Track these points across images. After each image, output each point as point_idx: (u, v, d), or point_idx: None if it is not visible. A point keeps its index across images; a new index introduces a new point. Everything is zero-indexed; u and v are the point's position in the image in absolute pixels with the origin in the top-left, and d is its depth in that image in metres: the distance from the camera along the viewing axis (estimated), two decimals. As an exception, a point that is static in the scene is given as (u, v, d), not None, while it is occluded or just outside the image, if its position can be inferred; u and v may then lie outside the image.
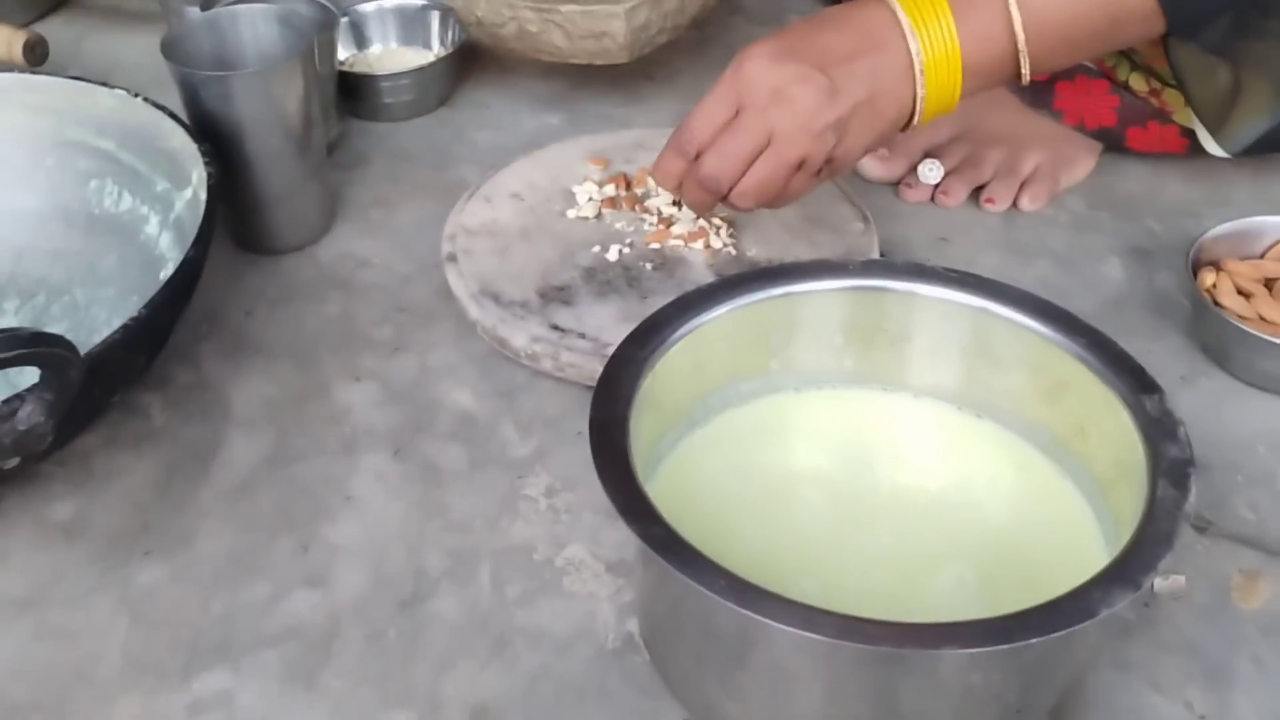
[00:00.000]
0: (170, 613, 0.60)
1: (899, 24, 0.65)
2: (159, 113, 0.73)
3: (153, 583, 0.62)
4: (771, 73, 0.64)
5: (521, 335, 0.70)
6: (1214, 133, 0.76)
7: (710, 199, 0.69)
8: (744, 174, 0.67)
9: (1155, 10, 0.67)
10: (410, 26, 0.98)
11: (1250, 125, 0.75)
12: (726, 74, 0.66)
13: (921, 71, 0.66)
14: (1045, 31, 0.66)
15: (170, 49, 0.75)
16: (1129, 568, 0.45)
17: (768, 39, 0.66)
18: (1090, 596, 0.44)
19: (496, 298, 0.73)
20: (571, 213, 0.79)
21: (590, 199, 0.79)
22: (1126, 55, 0.83)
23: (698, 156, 0.68)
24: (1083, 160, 0.85)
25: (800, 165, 0.66)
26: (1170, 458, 0.49)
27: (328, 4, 0.90)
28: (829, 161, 0.67)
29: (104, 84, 0.76)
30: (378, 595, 0.61)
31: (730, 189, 0.68)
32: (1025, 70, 0.67)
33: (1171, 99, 0.82)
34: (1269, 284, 0.72)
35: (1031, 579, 0.54)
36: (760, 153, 0.66)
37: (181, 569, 0.62)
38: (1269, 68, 0.73)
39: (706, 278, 0.73)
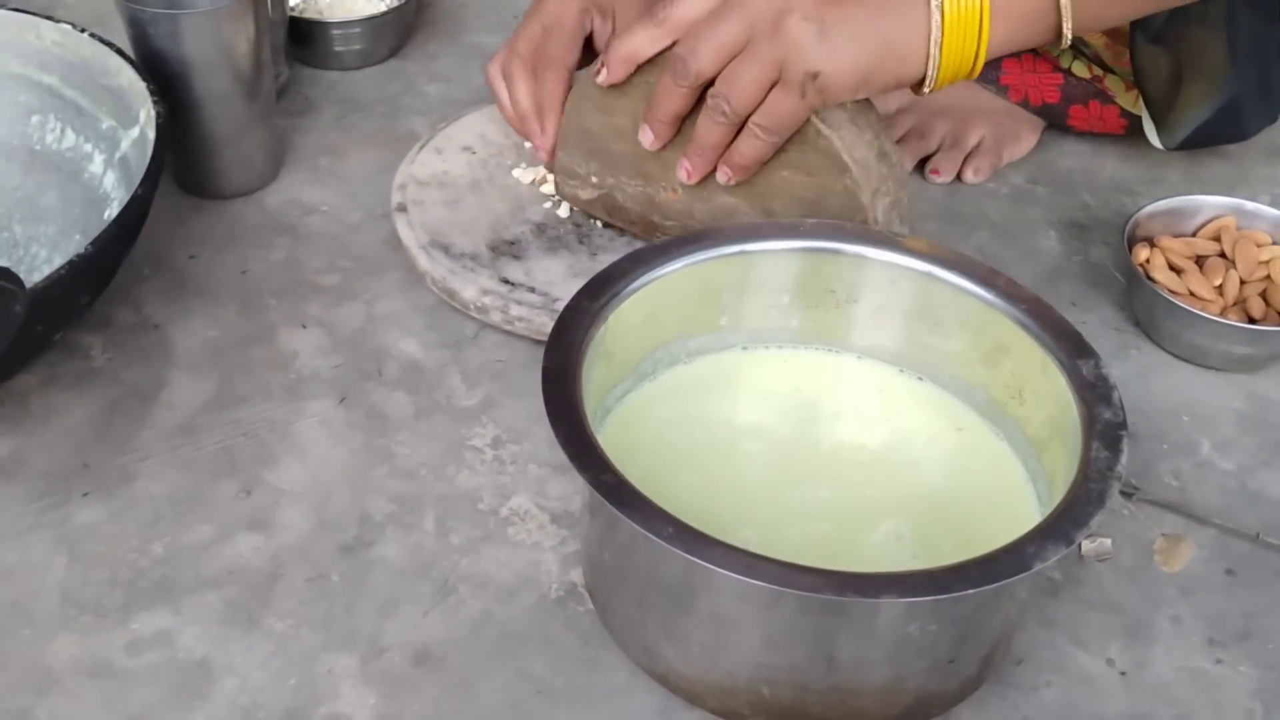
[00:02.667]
0: (109, 552, 0.60)
1: None
2: (105, 49, 0.72)
3: (91, 522, 0.61)
4: None
5: (471, 288, 0.71)
6: (1158, 126, 0.78)
7: (679, 92, 0.63)
8: (720, 70, 0.62)
9: None
10: (362, -26, 0.97)
11: (1187, 120, 0.77)
12: None
13: (939, 24, 0.60)
14: None
15: (118, -16, 0.74)
16: (1062, 524, 0.47)
17: None
18: (1025, 551, 0.46)
19: (446, 249, 0.73)
20: (517, 172, 0.78)
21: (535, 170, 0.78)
22: (1071, 45, 0.84)
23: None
24: (1025, 136, 0.87)
25: (778, 71, 0.60)
26: (1104, 420, 0.51)
27: (280, -53, 0.88)
28: (814, 77, 0.60)
29: (49, 17, 0.74)
30: (321, 539, 0.61)
31: (706, 85, 0.63)
32: (1068, 25, 0.62)
33: (1112, 84, 0.84)
34: (1199, 261, 0.74)
35: (966, 535, 0.55)
36: (738, 49, 0.61)
37: (121, 509, 0.62)
38: (1206, 59, 0.75)
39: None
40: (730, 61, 0.62)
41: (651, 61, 0.66)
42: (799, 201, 0.66)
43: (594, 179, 0.73)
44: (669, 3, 0.64)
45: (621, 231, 0.75)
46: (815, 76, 0.60)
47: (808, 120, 0.63)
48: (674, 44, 0.64)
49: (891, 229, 0.66)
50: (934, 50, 0.61)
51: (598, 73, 0.67)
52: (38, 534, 0.61)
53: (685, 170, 0.67)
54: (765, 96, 0.62)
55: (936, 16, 0.60)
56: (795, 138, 0.64)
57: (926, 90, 0.63)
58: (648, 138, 0.67)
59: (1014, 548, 0.46)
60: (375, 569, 0.60)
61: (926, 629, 0.48)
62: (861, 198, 0.64)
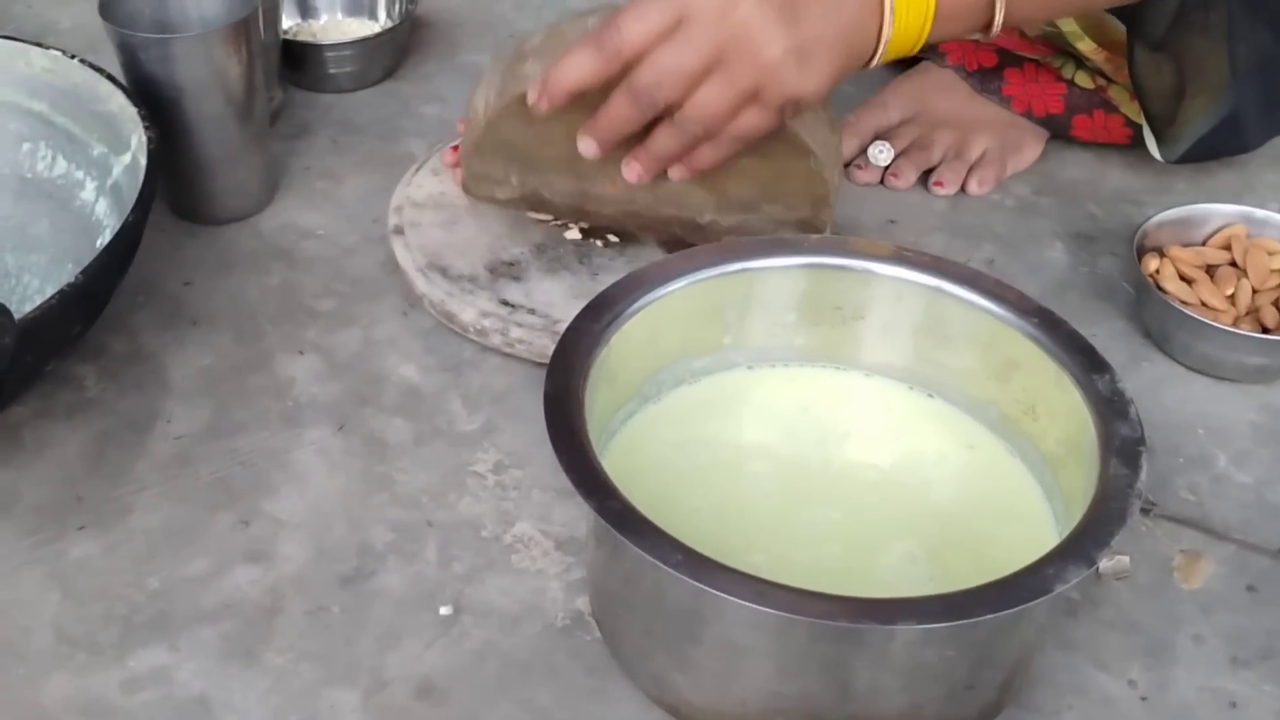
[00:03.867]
0: (104, 587, 0.59)
1: None
2: (96, 75, 0.71)
3: (86, 557, 0.60)
4: None
5: (470, 310, 0.69)
6: (1159, 138, 0.77)
7: (638, 115, 0.62)
8: (688, 96, 0.61)
9: None
10: (355, -3, 0.96)
11: (1189, 133, 0.76)
12: None
13: (891, 22, 0.61)
14: None
15: (108, 10, 0.73)
16: (1083, 544, 0.45)
17: None
18: (1045, 572, 0.44)
19: (444, 271, 0.72)
20: None
21: None
22: (1072, 56, 0.83)
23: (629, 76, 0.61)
24: (1029, 146, 0.86)
25: (754, 96, 0.61)
26: (1122, 436, 0.50)
27: (272, -31, 0.87)
28: (795, 101, 0.61)
29: (38, 44, 0.73)
30: (320, 570, 0.60)
31: (667, 111, 0.62)
32: (999, 17, 0.64)
33: (1116, 94, 0.84)
34: (1210, 271, 0.73)
35: (980, 556, 0.54)
36: (707, 73, 0.60)
37: (116, 543, 0.61)
38: (1208, 70, 0.74)
39: (658, 255, 0.72)
40: (699, 84, 0.61)
41: None
42: (754, 183, 0.67)
43: (514, 180, 0.71)
44: (614, 28, 0.61)
45: (622, 250, 0.74)
46: (796, 100, 0.61)
47: None
48: (622, 69, 0.61)
49: (839, 190, 0.70)
50: (884, 40, 0.63)
51: (534, 101, 0.64)
52: (31, 569, 0.59)
53: (635, 174, 0.66)
54: (738, 113, 0.62)
55: (890, 15, 0.62)
56: None
57: (869, 68, 0.65)
58: (591, 149, 0.65)
59: (1033, 569, 0.44)
60: (376, 600, 0.59)
61: (944, 654, 0.46)
62: (825, 174, 0.66)
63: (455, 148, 0.76)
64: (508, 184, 0.71)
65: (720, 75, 0.60)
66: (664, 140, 0.64)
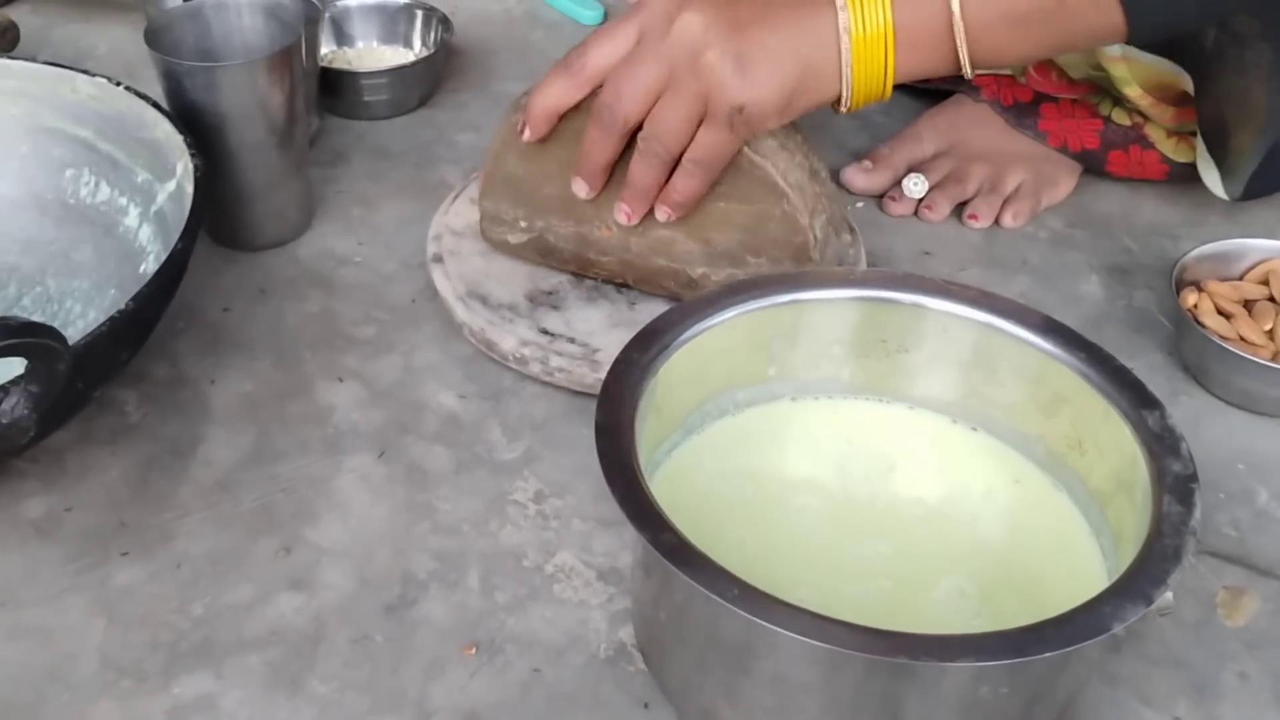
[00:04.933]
0: (149, 614, 0.59)
1: None
2: (141, 102, 0.72)
3: (130, 583, 0.60)
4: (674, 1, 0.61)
5: (510, 338, 0.70)
6: (1224, 178, 0.77)
7: (606, 139, 0.65)
8: (647, 113, 0.63)
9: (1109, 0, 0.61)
10: (392, 25, 0.97)
11: (1242, 168, 0.76)
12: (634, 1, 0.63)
13: (849, 47, 0.61)
14: (985, 5, 0.62)
15: (153, 38, 0.74)
16: (1139, 583, 0.45)
17: None
18: (1102, 611, 0.44)
19: (484, 300, 0.72)
20: None
21: None
22: (1108, 92, 0.84)
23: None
24: (1064, 180, 0.86)
25: (704, 107, 0.62)
26: (1174, 473, 0.49)
27: (311, -1, 0.88)
28: (740, 110, 0.62)
29: (84, 71, 0.74)
30: (363, 598, 0.60)
31: (633, 130, 0.64)
32: (963, 52, 0.62)
33: (1153, 131, 0.84)
34: (1248, 305, 0.73)
35: (1028, 591, 0.54)
36: (661, 89, 0.62)
37: (160, 569, 0.61)
38: (1250, 106, 0.74)
39: (696, 285, 0.72)
40: (655, 103, 0.63)
41: (576, 108, 0.66)
42: (737, 229, 0.68)
43: (523, 223, 0.72)
44: (581, 51, 0.65)
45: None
46: (741, 109, 0.62)
47: (740, 151, 0.65)
48: (593, 91, 0.65)
49: (828, 243, 0.69)
50: (846, 71, 0.62)
51: (521, 129, 0.68)
52: (76, 596, 0.59)
53: (624, 214, 0.68)
54: (695, 133, 0.63)
55: (845, 39, 0.62)
56: (730, 169, 0.66)
57: (844, 110, 0.65)
58: (582, 189, 0.68)
59: (1090, 607, 0.44)
60: (420, 629, 0.59)
61: (999, 692, 0.46)
62: (800, 219, 0.66)
63: None
64: (517, 227, 0.73)
65: (671, 88, 0.62)
66: (638, 170, 0.66)
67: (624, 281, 0.73)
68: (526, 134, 0.68)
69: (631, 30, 0.63)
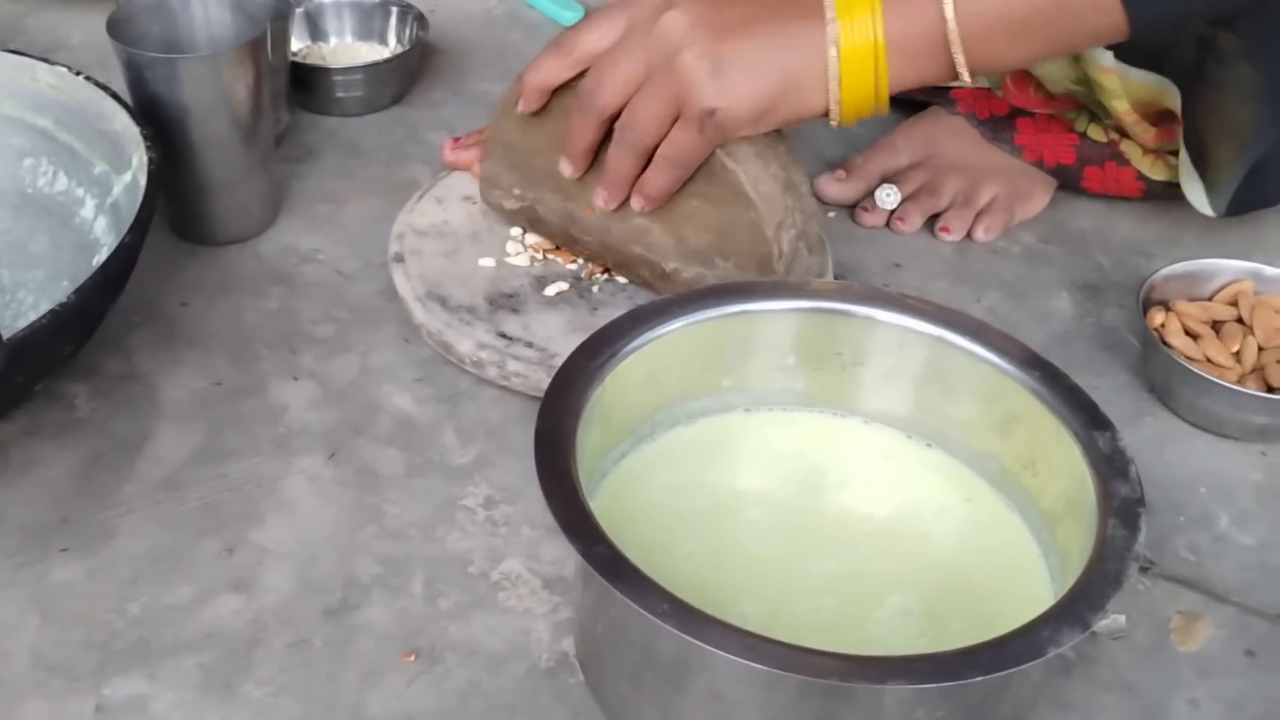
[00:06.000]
0: (85, 612, 0.58)
1: (823, 4, 0.61)
2: (101, 92, 0.71)
3: (68, 580, 0.59)
4: None
5: (467, 341, 0.69)
6: (1208, 191, 0.77)
7: (587, 123, 0.66)
8: (625, 103, 0.64)
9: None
10: (367, 22, 0.96)
11: (1225, 183, 0.75)
12: None
13: (836, 60, 0.61)
14: (981, 12, 0.60)
15: (116, 28, 0.73)
16: (1078, 607, 0.44)
17: None
18: (1039, 635, 0.43)
19: (443, 301, 0.71)
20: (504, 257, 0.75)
21: (521, 250, 0.75)
22: (1085, 108, 0.83)
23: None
24: (1038, 195, 0.85)
25: (678, 105, 0.62)
26: (1121, 496, 0.49)
27: (284, -8, 0.87)
28: (711, 114, 0.61)
29: (44, 60, 0.73)
30: (304, 602, 0.59)
31: (613, 118, 0.65)
32: (960, 60, 0.61)
33: (1128, 148, 0.83)
34: (1216, 327, 0.72)
35: (976, 612, 0.53)
36: (640, 81, 0.63)
37: (99, 567, 0.60)
38: (1230, 122, 0.73)
39: (657, 294, 0.71)
40: (633, 94, 0.63)
41: (567, 85, 0.68)
42: (709, 230, 0.68)
43: (516, 190, 0.74)
44: (574, 32, 0.66)
45: (623, 287, 0.73)
46: (712, 113, 0.61)
47: (714, 153, 0.65)
48: (583, 72, 0.66)
49: (797, 257, 0.68)
50: (832, 85, 0.62)
51: (517, 100, 0.70)
52: (11, 592, 0.58)
53: (602, 198, 0.69)
54: (669, 129, 0.64)
55: (832, 51, 0.61)
56: (703, 169, 0.66)
57: (834, 124, 0.64)
58: (567, 169, 0.69)
59: (1027, 631, 0.44)
60: (360, 634, 0.58)
61: (935, 715, 0.45)
62: (765, 230, 0.66)
63: (455, 140, 0.81)
64: (511, 194, 0.74)
65: (648, 83, 0.63)
66: (614, 158, 0.67)
67: (606, 266, 0.73)
68: (520, 105, 0.70)
69: (621, 19, 0.64)
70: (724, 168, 0.65)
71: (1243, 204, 0.77)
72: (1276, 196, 0.79)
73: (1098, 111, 0.82)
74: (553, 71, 0.67)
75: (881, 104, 0.63)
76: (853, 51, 0.61)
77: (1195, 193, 0.78)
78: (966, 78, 0.62)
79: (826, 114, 0.63)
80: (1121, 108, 0.78)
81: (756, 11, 0.62)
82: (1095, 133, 0.83)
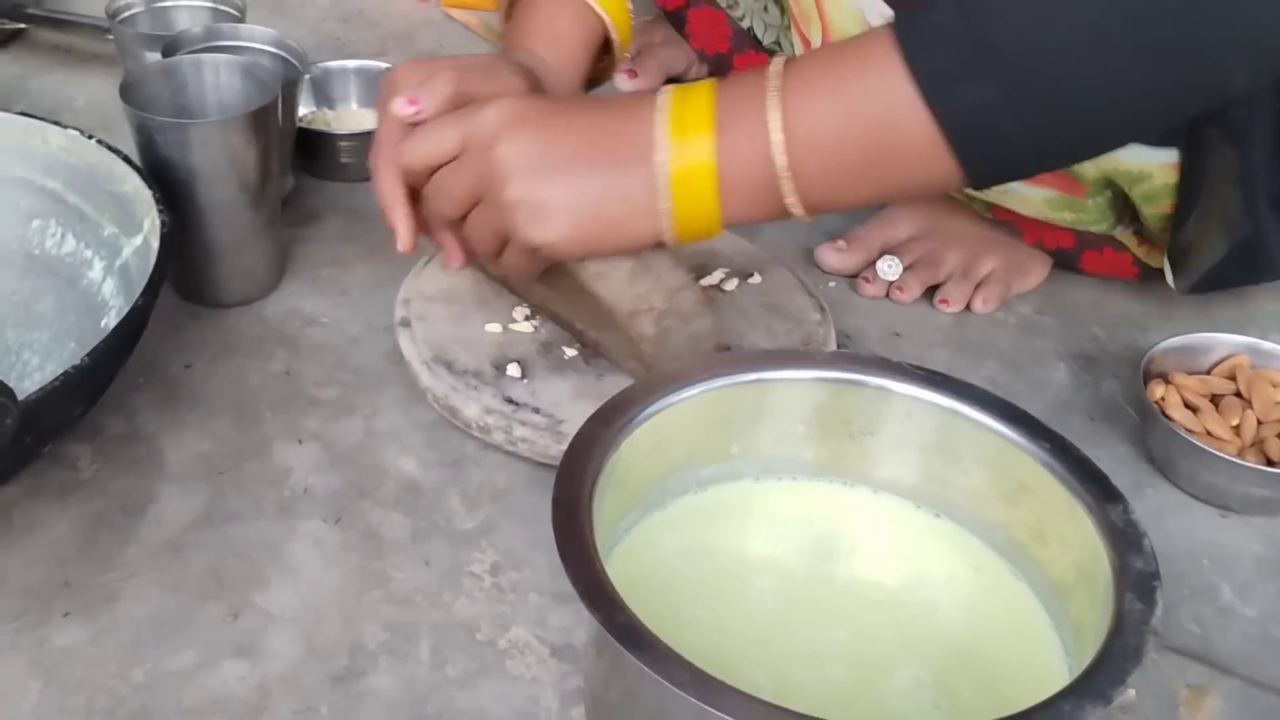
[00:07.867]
0: (87, 677, 0.57)
1: (655, 131, 0.61)
2: (112, 155, 0.71)
3: (70, 645, 0.58)
4: (501, 121, 0.62)
5: (474, 406, 0.69)
6: (1174, 269, 0.78)
7: (433, 221, 0.70)
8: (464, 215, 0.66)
9: (941, 150, 0.57)
10: (372, 88, 0.97)
11: (1197, 263, 0.76)
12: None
13: (668, 186, 0.61)
14: (811, 154, 0.59)
15: (128, 93, 0.74)
16: (1098, 681, 0.44)
17: (529, 96, 0.66)
18: (1061, 709, 0.43)
19: (450, 366, 0.71)
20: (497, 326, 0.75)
21: (527, 316, 0.76)
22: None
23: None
24: (1035, 270, 0.87)
25: (506, 233, 0.64)
26: (1136, 570, 0.49)
27: (292, 60, 0.88)
28: (537, 250, 0.63)
29: (56, 122, 0.73)
30: (310, 668, 0.58)
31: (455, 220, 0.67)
32: (791, 198, 0.60)
33: (1124, 238, 0.84)
34: (1215, 400, 0.73)
35: (986, 683, 0.53)
36: (476, 201, 0.65)
37: (102, 631, 0.59)
38: (1215, 205, 0.74)
39: (664, 359, 0.72)
40: (469, 206, 0.65)
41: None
42: (594, 314, 0.69)
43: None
44: (407, 143, 0.66)
45: (628, 354, 0.73)
46: (537, 249, 0.64)
47: None
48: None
49: (673, 332, 0.68)
50: (664, 206, 0.61)
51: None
52: (12, 656, 0.58)
53: (452, 258, 0.72)
54: (505, 243, 0.66)
55: (663, 174, 0.61)
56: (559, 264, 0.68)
57: (668, 246, 0.64)
58: (442, 256, 0.73)
59: (1050, 705, 0.43)
60: (366, 701, 0.57)
61: (953, 788, 0.45)
62: (618, 319, 0.68)
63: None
64: (476, 260, 0.76)
65: (480, 209, 0.65)
66: (470, 239, 0.69)
67: (555, 324, 0.75)
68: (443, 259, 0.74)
69: (456, 136, 0.64)
70: (567, 270, 0.67)
71: (1210, 284, 0.78)
72: (1237, 281, 0.78)
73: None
74: (389, 182, 0.68)
75: (716, 228, 0.62)
76: (685, 173, 0.60)
77: (1167, 269, 0.79)
78: (802, 215, 0.62)
79: (661, 243, 0.63)
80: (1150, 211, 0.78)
81: (588, 148, 0.62)
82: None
